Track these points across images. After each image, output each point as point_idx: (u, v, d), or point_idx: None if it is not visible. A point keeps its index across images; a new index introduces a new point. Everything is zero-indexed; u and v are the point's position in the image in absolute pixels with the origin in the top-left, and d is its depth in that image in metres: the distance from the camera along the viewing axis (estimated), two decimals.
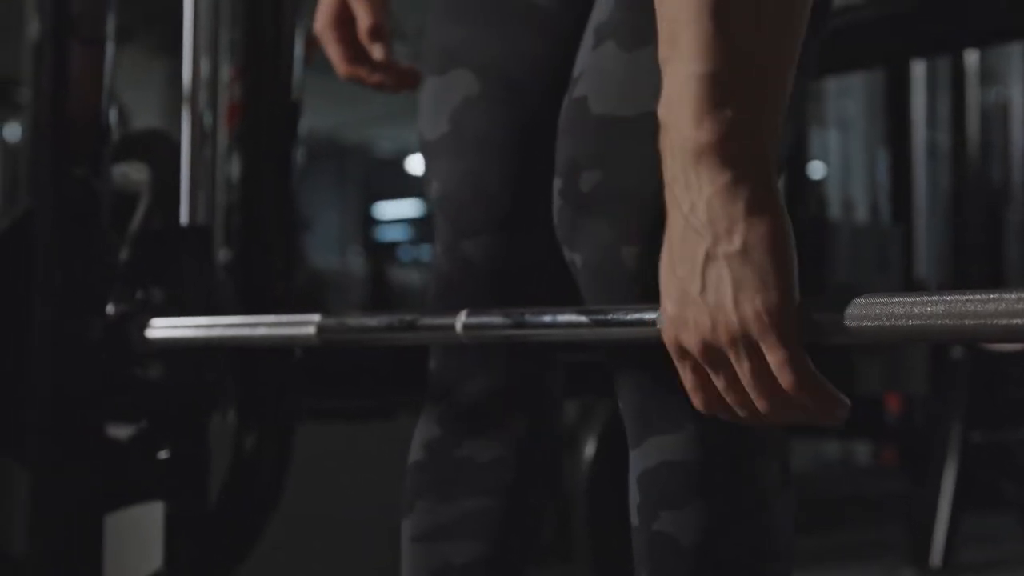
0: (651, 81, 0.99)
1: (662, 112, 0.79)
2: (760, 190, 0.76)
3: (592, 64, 1.03)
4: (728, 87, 0.76)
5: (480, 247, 1.18)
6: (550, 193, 1.15)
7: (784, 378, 0.79)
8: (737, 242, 0.76)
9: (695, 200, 0.77)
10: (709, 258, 0.77)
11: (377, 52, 1.35)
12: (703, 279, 0.78)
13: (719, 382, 0.81)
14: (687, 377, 0.83)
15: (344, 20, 1.35)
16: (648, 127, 0.98)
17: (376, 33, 1.34)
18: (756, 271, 0.76)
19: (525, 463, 1.21)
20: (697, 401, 0.84)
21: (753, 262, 0.76)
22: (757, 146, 0.77)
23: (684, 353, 0.82)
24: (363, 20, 1.34)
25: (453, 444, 1.21)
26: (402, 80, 1.38)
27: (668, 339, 0.82)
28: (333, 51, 1.37)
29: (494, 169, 1.17)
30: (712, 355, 0.80)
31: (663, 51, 0.78)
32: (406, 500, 1.23)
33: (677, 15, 0.76)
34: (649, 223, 0.98)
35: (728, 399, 0.82)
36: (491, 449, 1.20)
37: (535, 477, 1.22)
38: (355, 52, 1.36)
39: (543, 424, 1.23)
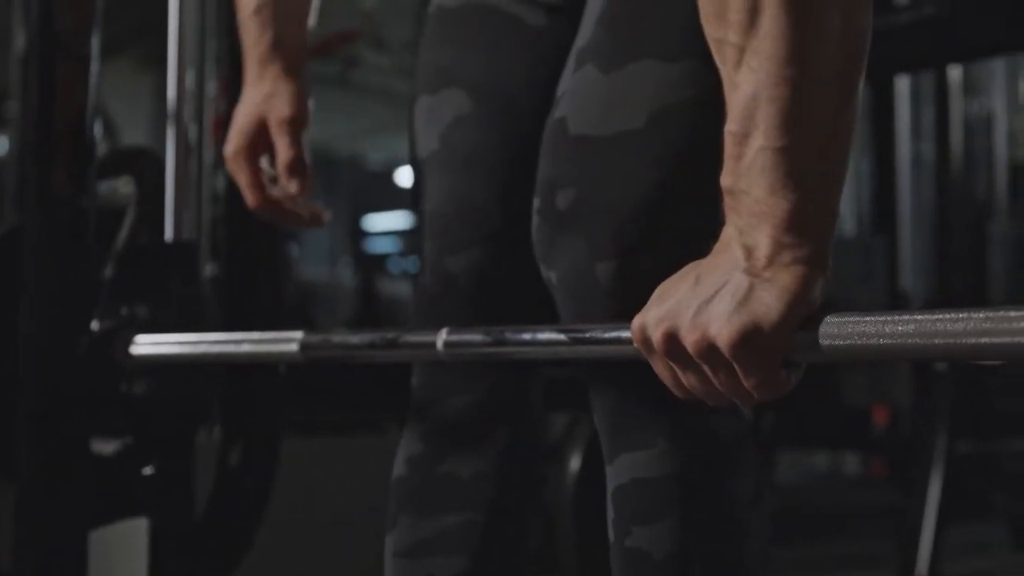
0: (627, 102, 1.01)
1: (729, 181, 0.82)
2: (816, 249, 0.80)
3: (572, 86, 1.05)
4: (802, 159, 0.79)
5: (464, 263, 1.19)
6: None
7: (757, 394, 0.81)
8: (767, 275, 0.79)
9: (752, 248, 0.80)
10: (736, 276, 0.80)
11: (294, 187, 1.29)
12: (718, 290, 0.80)
13: (687, 379, 0.83)
14: (660, 370, 0.85)
15: (260, 149, 1.30)
16: (623, 146, 1.00)
17: (296, 168, 1.28)
18: (769, 297, 0.79)
19: (507, 478, 1.22)
20: (675, 391, 0.86)
21: (770, 291, 0.79)
22: (823, 212, 0.80)
23: (648, 345, 0.83)
24: (284, 152, 1.28)
25: (435, 460, 1.22)
26: (313, 219, 1.35)
27: (635, 325, 0.84)
28: (245, 180, 1.31)
29: (481, 186, 1.18)
30: (672, 346, 0.81)
31: (732, 125, 0.81)
32: (389, 515, 1.24)
33: (757, 92, 0.79)
34: (623, 240, 0.99)
35: (697, 393, 0.84)
36: (473, 464, 1.21)
37: (517, 492, 1.23)
38: (268, 183, 1.31)
39: (525, 439, 1.24)
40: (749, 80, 0.79)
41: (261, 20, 1.28)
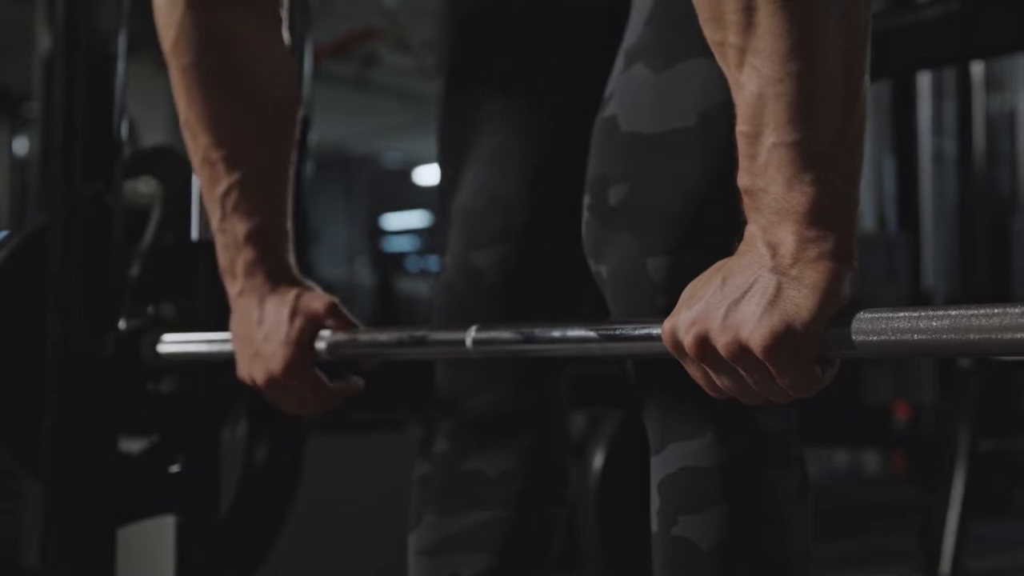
0: (677, 100, 1.01)
1: (747, 181, 0.81)
2: (841, 241, 0.79)
3: (622, 85, 1.05)
4: (815, 151, 0.79)
5: (490, 258, 1.19)
6: (565, 209, 1.17)
7: (792, 392, 0.81)
8: (794, 272, 0.79)
9: (776, 245, 0.80)
10: (764, 275, 0.80)
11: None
12: (746, 290, 0.79)
13: (721, 380, 0.83)
14: (693, 373, 0.85)
15: (311, 353, 1.22)
16: (674, 144, 1.00)
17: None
18: (799, 296, 0.78)
19: (532, 475, 1.22)
20: (709, 391, 0.86)
21: (799, 289, 0.78)
22: (843, 203, 0.80)
23: (680, 349, 0.83)
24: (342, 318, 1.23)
25: (460, 457, 1.22)
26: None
27: (665, 329, 0.84)
28: (313, 386, 1.23)
29: (509, 182, 1.19)
30: (704, 350, 0.81)
31: (743, 126, 0.81)
32: (412, 514, 1.24)
33: (763, 90, 0.79)
34: (675, 236, 0.99)
35: (731, 393, 0.84)
36: (498, 462, 1.21)
37: (543, 488, 1.23)
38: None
39: (550, 435, 1.24)
40: (753, 79, 0.79)
41: (261, 245, 1.25)
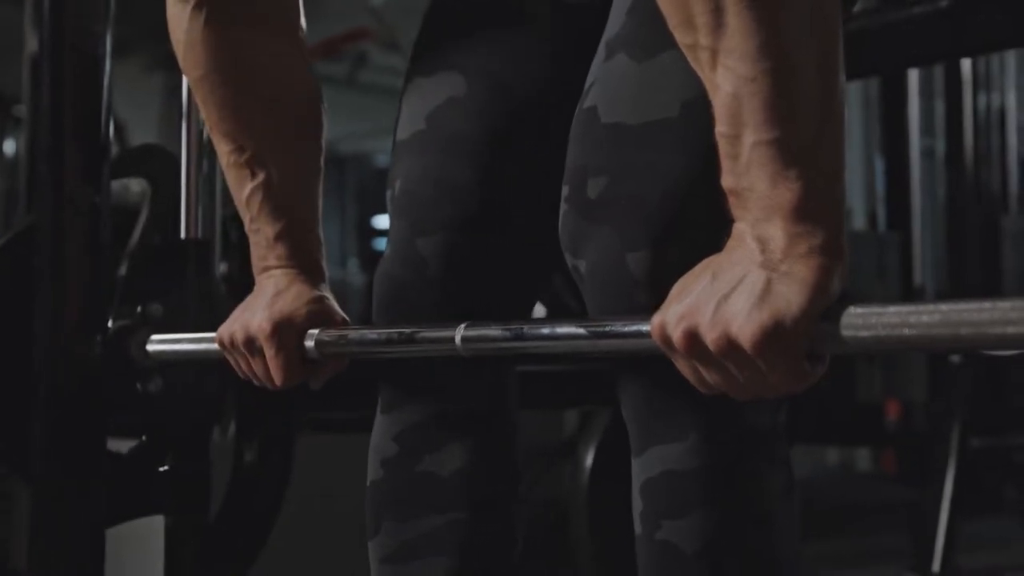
0: (660, 91, 1.00)
1: (731, 182, 0.81)
2: (830, 236, 0.79)
3: (603, 76, 1.03)
4: (797, 147, 0.78)
5: (436, 247, 1.17)
6: (523, 200, 1.15)
7: (781, 387, 0.80)
8: (784, 268, 0.78)
9: (766, 240, 0.80)
10: (753, 271, 0.79)
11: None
12: (736, 285, 0.79)
13: (710, 376, 0.82)
14: (682, 368, 0.85)
15: (301, 336, 1.21)
16: (657, 135, 0.99)
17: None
18: (789, 291, 0.78)
19: (487, 473, 1.20)
20: (698, 387, 0.86)
21: (789, 285, 0.78)
22: (830, 197, 0.80)
23: (669, 343, 0.83)
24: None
25: (412, 460, 1.20)
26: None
27: (655, 323, 0.84)
28: (289, 354, 1.20)
29: (462, 167, 1.16)
30: (693, 344, 0.81)
31: (722, 127, 0.80)
32: (369, 522, 1.21)
33: (738, 90, 0.79)
34: (656, 230, 0.98)
35: (721, 388, 0.84)
36: (451, 462, 1.19)
37: (498, 487, 1.21)
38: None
39: (501, 432, 1.22)
40: (728, 79, 0.79)
41: (290, 245, 1.25)
